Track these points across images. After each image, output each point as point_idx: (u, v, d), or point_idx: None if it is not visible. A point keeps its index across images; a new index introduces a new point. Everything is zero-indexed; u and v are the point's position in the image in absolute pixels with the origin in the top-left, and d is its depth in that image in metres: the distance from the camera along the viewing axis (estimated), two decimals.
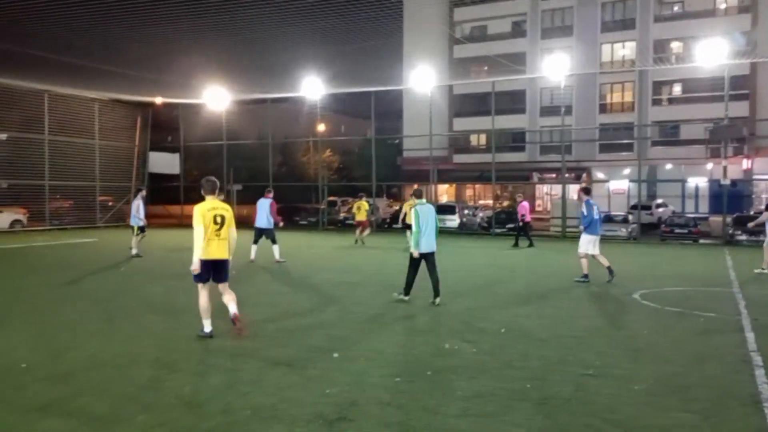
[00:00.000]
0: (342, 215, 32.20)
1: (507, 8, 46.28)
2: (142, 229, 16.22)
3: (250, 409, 4.85)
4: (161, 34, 18.53)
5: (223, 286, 7.32)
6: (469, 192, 48.22)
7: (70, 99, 27.76)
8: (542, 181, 44.00)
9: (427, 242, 9.55)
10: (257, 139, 37.81)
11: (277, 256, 14.82)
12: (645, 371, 6.00)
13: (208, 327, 7.22)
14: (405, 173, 44.22)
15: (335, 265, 15.08)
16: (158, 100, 29.94)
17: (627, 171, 38.73)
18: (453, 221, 28.57)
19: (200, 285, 7.23)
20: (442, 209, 29.71)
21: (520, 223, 20.32)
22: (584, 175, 42.20)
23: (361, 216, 21.40)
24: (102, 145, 29.53)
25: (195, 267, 7.02)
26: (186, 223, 24.52)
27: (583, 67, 38.64)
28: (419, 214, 9.52)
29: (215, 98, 29.05)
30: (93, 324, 8.05)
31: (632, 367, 6.13)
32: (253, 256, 14.88)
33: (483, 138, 46.00)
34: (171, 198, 32.88)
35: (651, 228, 27.05)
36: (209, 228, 7.06)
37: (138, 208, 16.21)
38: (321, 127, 40.73)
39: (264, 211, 14.93)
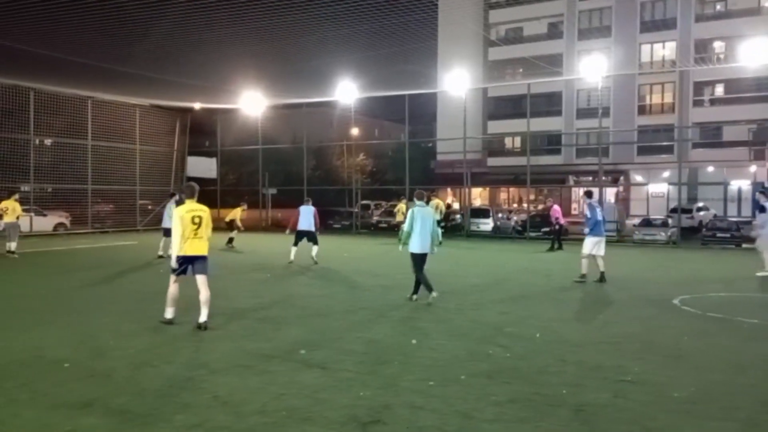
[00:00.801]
0: (375, 219, 32.30)
1: (543, 9, 45.82)
2: (167, 233, 16.58)
3: (285, 410, 4.91)
4: (201, 41, 18.92)
5: (201, 279, 7.89)
6: (503, 195, 47.83)
7: (112, 105, 28.53)
8: (578, 184, 43.34)
9: (422, 243, 9.83)
10: (292, 143, 38.24)
11: (313, 254, 15.39)
12: (684, 378, 5.86)
13: (170, 314, 7.98)
14: (439, 176, 44.12)
15: (368, 268, 15.12)
16: (196, 105, 30.56)
17: (667, 174, 37.90)
18: (487, 225, 28.37)
19: (174, 277, 7.94)
20: (476, 213, 29.57)
21: (557, 227, 20.17)
22: (622, 177, 41.46)
23: (399, 218, 22.80)
24: (142, 150, 30.25)
25: (173, 264, 7.90)
26: (221, 226, 24.91)
27: (621, 68, 37.96)
28: (415, 215, 9.89)
29: (251, 103, 29.48)
30: (131, 324, 8.24)
31: (671, 374, 6.00)
32: (292, 257, 15.39)
33: (518, 141, 45.61)
34: (208, 202, 33.36)
35: (692, 232, 26.38)
36: (188, 228, 7.79)
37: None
38: (355, 131, 40.99)
39: (307, 216, 15.57)
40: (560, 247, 19.75)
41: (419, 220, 9.82)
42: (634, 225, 26.49)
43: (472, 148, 36.36)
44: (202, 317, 7.81)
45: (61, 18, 16.03)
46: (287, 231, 16.07)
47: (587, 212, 12.71)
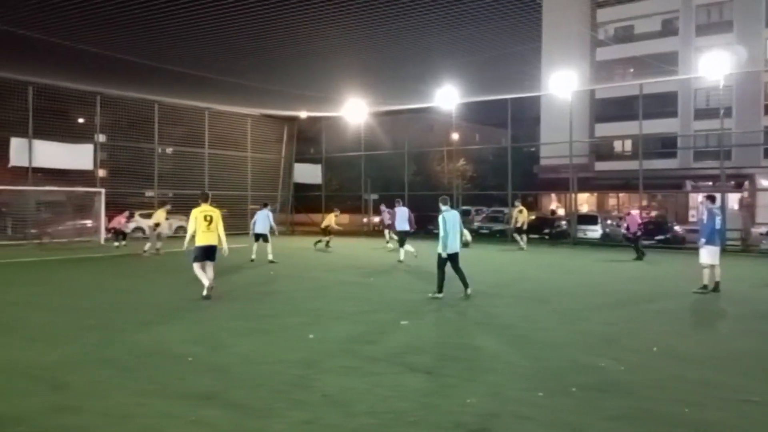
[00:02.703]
0: (476, 224, 31.97)
1: (656, 6, 43.49)
2: (267, 239, 17.62)
3: (393, 412, 5.00)
4: (308, 52, 19.72)
5: (210, 264, 10.68)
6: (612, 201, 45.76)
7: (226, 115, 30.29)
8: (697, 189, 40.64)
9: (453, 244, 10.77)
10: (393, 149, 38.67)
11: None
12: None
13: (205, 291, 10.46)
14: (541, 182, 42.93)
15: (469, 273, 14.99)
16: (303, 114, 31.75)
17: None
18: (595, 232, 27.26)
19: (196, 264, 10.58)
20: (583, 219, 28.48)
21: (637, 234, 19.30)
22: (746, 182, 38.44)
23: (518, 221, 22.93)
24: (253, 157, 31.82)
25: (186, 247, 10.83)
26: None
27: (744, 65, 35.21)
28: (445, 219, 10.69)
29: (354, 111, 30.17)
30: (244, 322, 8.72)
31: None
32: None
33: (628, 144, 43.50)
34: (313, 207, 34.60)
35: None
36: (202, 224, 10.52)
37: (271, 218, 18.10)
38: (455, 136, 40.82)
39: (405, 217, 17.77)
40: (640, 257, 18.86)
41: (450, 224, 10.71)
42: (761, 234, 24.46)
43: (579, 152, 35.08)
44: (211, 283, 10.51)
45: (183, 34, 17.25)
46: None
47: (705, 219, 11.89)
